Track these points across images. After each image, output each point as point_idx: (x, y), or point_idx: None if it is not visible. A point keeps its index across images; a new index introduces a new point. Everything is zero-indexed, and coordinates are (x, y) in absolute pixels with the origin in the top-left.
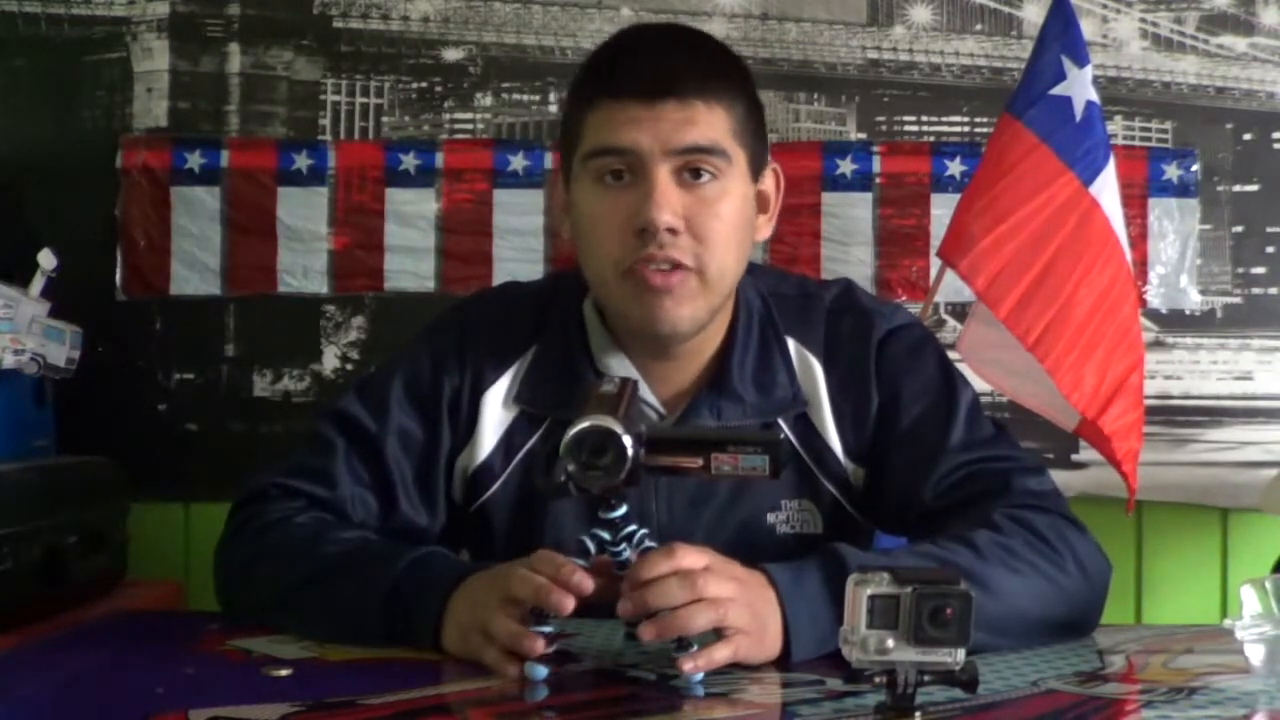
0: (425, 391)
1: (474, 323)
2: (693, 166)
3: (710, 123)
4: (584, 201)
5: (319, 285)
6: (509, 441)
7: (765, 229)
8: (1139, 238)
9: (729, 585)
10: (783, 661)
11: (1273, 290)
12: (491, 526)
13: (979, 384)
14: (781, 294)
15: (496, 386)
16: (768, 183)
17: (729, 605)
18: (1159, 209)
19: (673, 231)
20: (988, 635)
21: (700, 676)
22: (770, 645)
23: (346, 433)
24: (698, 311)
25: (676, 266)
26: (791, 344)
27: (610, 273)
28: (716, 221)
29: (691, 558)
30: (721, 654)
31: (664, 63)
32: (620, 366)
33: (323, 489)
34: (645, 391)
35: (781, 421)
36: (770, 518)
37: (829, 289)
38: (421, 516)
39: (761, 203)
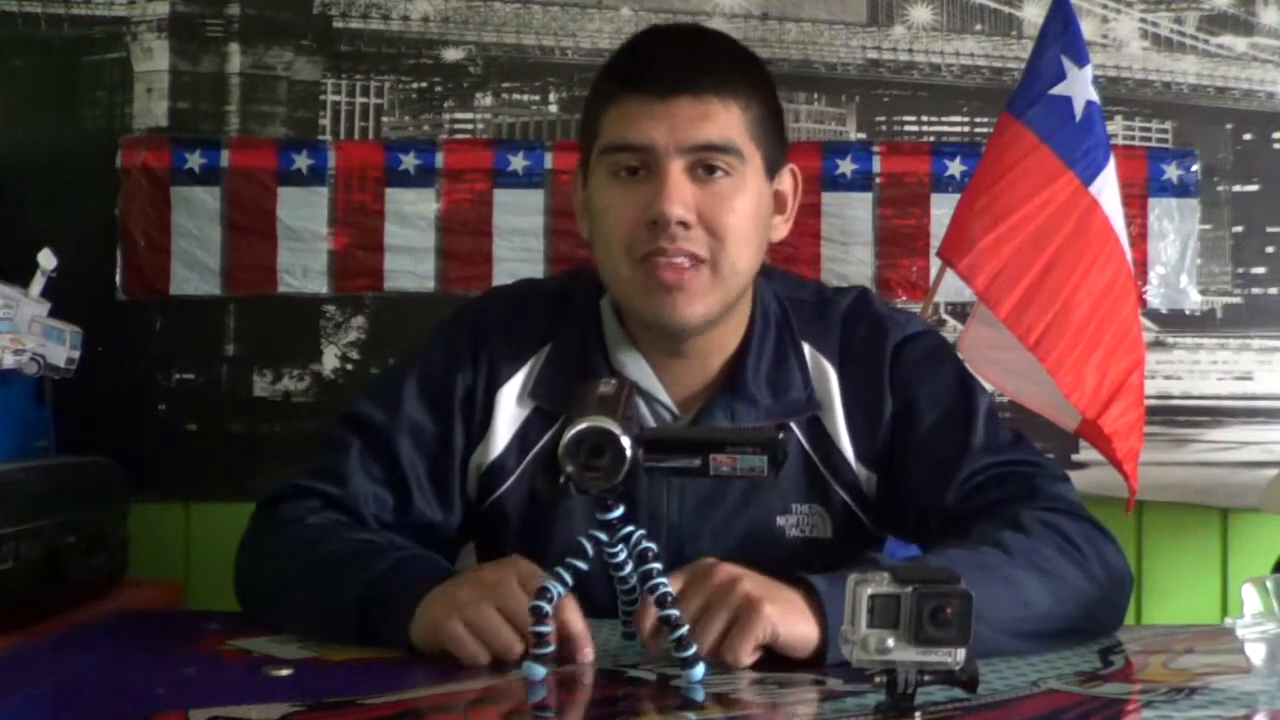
0: (438, 387)
1: (489, 319)
2: (706, 163)
3: (724, 120)
4: (599, 196)
5: (319, 285)
6: (523, 438)
7: (782, 229)
8: (1139, 238)
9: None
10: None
11: (1273, 290)
12: (504, 523)
13: None
14: (798, 299)
15: (511, 383)
16: (785, 183)
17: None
18: (1159, 209)
19: (685, 225)
20: (1014, 639)
21: (700, 676)
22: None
23: (360, 431)
24: (710, 307)
25: (691, 262)
26: (807, 348)
27: (622, 261)
28: (730, 216)
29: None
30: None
31: (680, 60)
32: (635, 365)
33: (335, 487)
34: (660, 392)
35: (794, 424)
36: (780, 521)
37: (845, 296)
38: (436, 512)
39: (779, 203)
